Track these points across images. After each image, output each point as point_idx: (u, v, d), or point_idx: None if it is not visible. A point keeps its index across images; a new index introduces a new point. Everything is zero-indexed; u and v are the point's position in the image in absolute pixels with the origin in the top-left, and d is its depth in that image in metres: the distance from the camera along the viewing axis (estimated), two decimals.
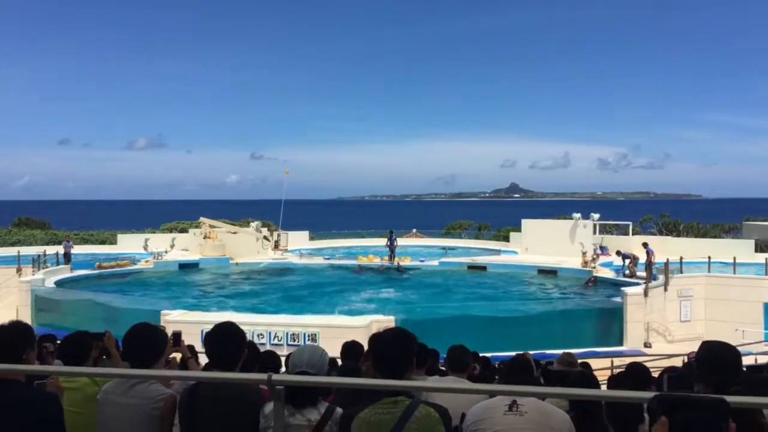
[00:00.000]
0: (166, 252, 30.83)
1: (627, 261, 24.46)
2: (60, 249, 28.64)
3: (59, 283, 23.92)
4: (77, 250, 31.39)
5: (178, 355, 5.35)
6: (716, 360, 3.00)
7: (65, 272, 26.14)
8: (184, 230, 37.67)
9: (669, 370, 4.98)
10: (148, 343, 3.61)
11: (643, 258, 23.42)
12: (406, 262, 30.25)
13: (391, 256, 30.08)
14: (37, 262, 25.96)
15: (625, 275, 24.20)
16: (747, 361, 11.08)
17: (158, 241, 32.51)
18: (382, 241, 38.94)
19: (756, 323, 20.88)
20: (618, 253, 26.07)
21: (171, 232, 38.39)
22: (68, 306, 21.03)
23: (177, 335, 4.69)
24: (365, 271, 28.96)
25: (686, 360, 8.29)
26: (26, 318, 20.05)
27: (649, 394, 2.75)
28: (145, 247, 30.96)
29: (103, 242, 38.16)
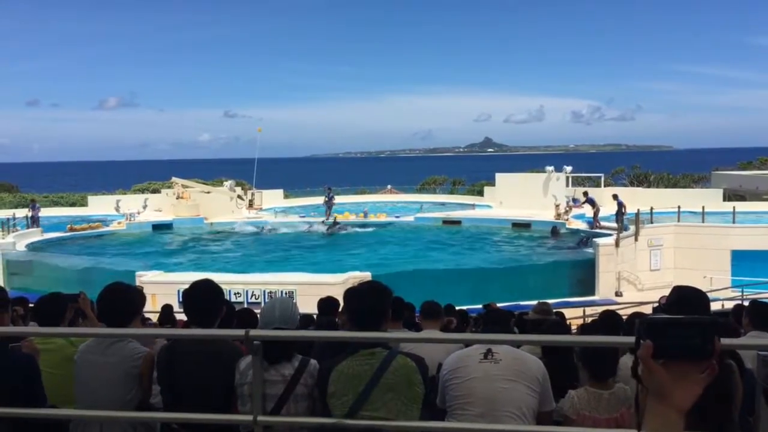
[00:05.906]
0: (138, 213, 30.43)
1: (593, 208, 24.66)
2: (29, 212, 28.13)
3: (30, 247, 23.57)
4: (47, 213, 30.82)
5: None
6: (686, 302, 3.09)
7: (36, 235, 25.70)
8: (156, 191, 37.12)
9: (636, 315, 5.11)
10: (122, 301, 3.59)
11: (609, 210, 23.68)
12: (382, 218, 30.31)
13: (328, 214, 30.02)
14: (7, 225, 25.50)
15: (593, 226, 24.49)
16: (714, 307, 11.40)
17: (130, 202, 32.02)
18: (358, 198, 38.91)
19: (723, 270, 21.34)
20: (585, 194, 26.19)
21: (143, 192, 37.82)
22: (41, 269, 20.74)
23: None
24: (314, 231, 28.57)
25: (657, 304, 8.50)
26: None
27: (614, 339, 2.84)
28: (117, 209, 30.51)
29: (73, 204, 37.46)
